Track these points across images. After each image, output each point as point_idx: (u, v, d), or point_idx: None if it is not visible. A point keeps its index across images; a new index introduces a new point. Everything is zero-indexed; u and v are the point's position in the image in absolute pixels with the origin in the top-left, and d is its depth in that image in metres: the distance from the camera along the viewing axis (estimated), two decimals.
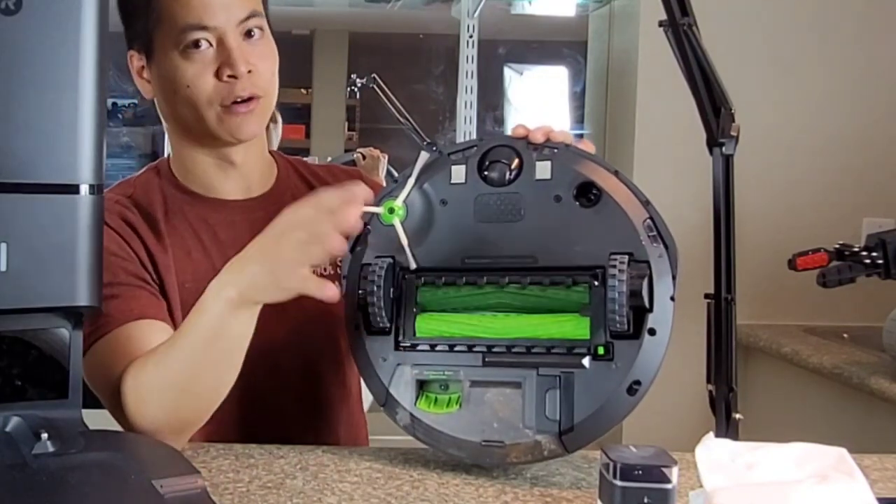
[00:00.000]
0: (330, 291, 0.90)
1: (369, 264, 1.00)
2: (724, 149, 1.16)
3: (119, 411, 0.99)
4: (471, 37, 2.72)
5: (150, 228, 1.14)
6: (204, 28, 1.08)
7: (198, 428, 1.01)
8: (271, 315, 1.16)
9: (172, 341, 0.98)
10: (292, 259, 0.90)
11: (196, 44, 1.09)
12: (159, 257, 1.13)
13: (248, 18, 1.10)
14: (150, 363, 0.97)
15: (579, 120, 3.16)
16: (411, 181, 1.00)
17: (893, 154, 2.38)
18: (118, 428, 1.02)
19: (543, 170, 0.97)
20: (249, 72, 1.10)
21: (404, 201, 0.99)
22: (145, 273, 1.11)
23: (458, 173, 1.00)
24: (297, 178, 1.26)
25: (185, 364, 0.96)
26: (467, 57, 2.72)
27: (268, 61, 1.13)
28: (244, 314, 0.94)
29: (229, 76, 1.09)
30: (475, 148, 1.01)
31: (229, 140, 1.13)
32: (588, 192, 0.95)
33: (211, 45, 1.09)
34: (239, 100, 1.10)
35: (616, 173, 0.97)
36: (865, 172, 2.38)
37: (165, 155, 1.24)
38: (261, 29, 1.13)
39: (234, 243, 1.17)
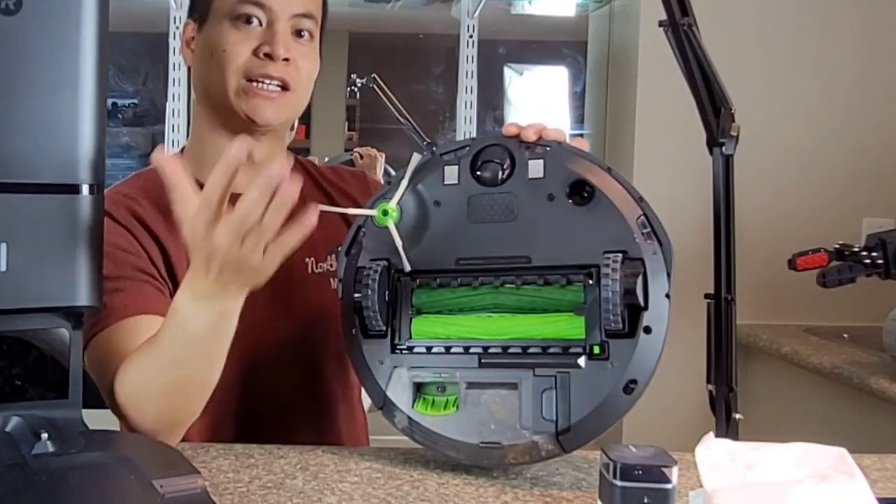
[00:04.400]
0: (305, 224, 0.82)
1: (364, 267, 0.99)
2: (724, 149, 1.16)
3: (115, 407, 0.99)
4: (471, 37, 2.72)
5: (162, 218, 1.13)
6: (260, 5, 1.12)
7: (190, 423, 0.99)
8: (275, 311, 1.15)
9: (153, 346, 0.94)
10: (253, 258, 0.83)
11: (248, 18, 1.12)
12: (171, 248, 1.12)
13: (302, 15, 1.14)
14: (133, 367, 0.95)
15: (579, 120, 3.16)
16: (404, 183, 1.00)
17: (893, 154, 2.38)
18: (118, 428, 1.02)
19: (536, 168, 0.97)
20: (286, 60, 1.12)
21: (398, 203, 0.99)
22: (153, 269, 1.10)
23: (451, 174, 1.00)
24: (306, 178, 1.26)
25: (170, 368, 0.93)
26: (467, 57, 2.72)
27: (308, 62, 1.16)
28: (230, 319, 0.90)
29: (266, 55, 1.11)
30: (467, 148, 1.01)
31: (245, 119, 1.13)
32: (581, 190, 0.94)
33: (261, 23, 1.13)
34: (267, 80, 1.12)
35: (609, 170, 0.96)
36: (865, 172, 2.38)
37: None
38: (310, 33, 1.16)
39: None
